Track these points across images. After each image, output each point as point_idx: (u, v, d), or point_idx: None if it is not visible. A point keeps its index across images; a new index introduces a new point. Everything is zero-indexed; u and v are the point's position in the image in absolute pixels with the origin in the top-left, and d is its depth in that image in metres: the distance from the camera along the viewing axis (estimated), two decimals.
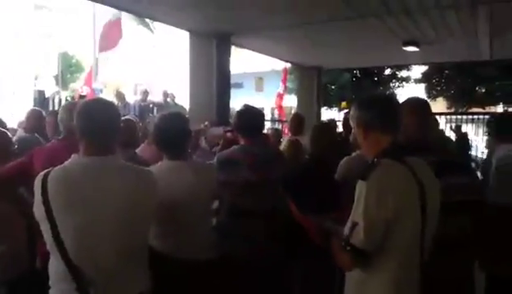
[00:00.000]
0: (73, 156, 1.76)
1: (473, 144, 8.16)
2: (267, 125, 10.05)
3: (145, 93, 9.75)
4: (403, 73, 16.59)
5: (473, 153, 7.28)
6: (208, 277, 2.18)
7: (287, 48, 8.61)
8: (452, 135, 6.66)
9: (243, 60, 16.27)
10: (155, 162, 2.36)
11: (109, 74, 16.64)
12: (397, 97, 2.48)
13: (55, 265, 1.68)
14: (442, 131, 6.66)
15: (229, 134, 3.53)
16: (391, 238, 1.61)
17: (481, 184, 2.84)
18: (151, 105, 9.42)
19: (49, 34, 20.79)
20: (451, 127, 7.79)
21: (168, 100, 9.72)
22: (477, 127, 10.64)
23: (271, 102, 13.03)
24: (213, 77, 6.70)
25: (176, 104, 9.64)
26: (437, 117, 6.49)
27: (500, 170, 2.75)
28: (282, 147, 4.03)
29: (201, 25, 6.47)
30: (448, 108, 16.19)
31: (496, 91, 15.24)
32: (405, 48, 7.59)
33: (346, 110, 10.07)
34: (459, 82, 15.37)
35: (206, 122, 4.71)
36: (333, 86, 15.74)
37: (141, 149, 3.43)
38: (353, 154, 3.15)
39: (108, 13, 9.50)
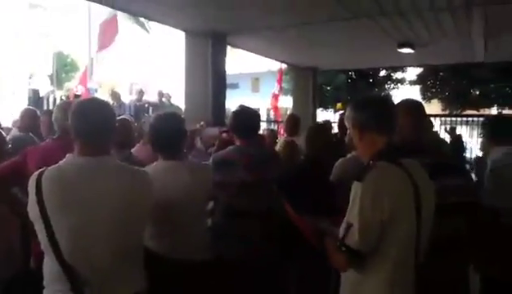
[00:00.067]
0: (67, 156, 1.75)
1: (468, 146, 8.19)
2: (263, 126, 10.05)
3: (141, 93, 9.73)
4: (398, 75, 16.67)
5: (467, 155, 7.31)
6: (204, 277, 2.18)
7: (282, 49, 8.62)
8: (447, 137, 6.68)
9: (239, 61, 16.29)
10: (151, 162, 2.35)
11: (104, 74, 16.59)
12: (392, 99, 2.48)
13: (49, 266, 1.67)
14: (437, 133, 6.69)
15: (224, 134, 3.53)
16: (386, 239, 1.62)
17: (475, 186, 2.85)
18: (147, 105, 9.39)
19: (44, 33, 20.72)
20: (445, 129, 7.82)
21: (164, 99, 9.70)
22: (471, 129, 10.68)
23: (267, 103, 13.03)
24: (209, 78, 6.69)
25: (171, 104, 9.62)
26: (432, 119, 6.50)
27: (495, 172, 2.76)
28: (278, 148, 4.03)
29: (197, 25, 6.46)
30: (443, 110, 16.27)
31: (491, 94, 15.33)
32: (400, 50, 7.62)
33: (341, 111, 10.09)
34: (453, 84, 15.46)
35: (202, 123, 4.71)
36: (328, 88, 15.77)
37: (137, 149, 3.42)
38: (348, 156, 3.15)
39: (103, 12, 9.47)
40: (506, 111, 14.92)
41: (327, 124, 5.06)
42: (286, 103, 15.44)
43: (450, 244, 2.04)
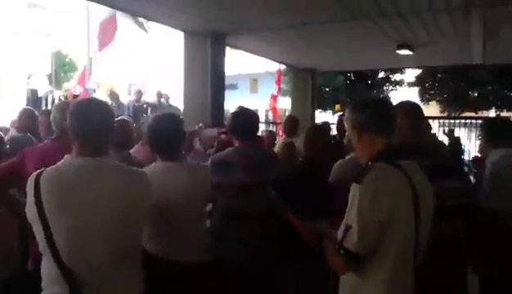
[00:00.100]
0: (66, 157, 1.74)
1: (466, 148, 8.20)
2: (262, 127, 10.05)
3: (139, 93, 9.71)
4: (397, 77, 16.70)
5: (465, 157, 7.32)
6: (202, 279, 2.17)
7: (281, 49, 8.62)
8: (445, 140, 6.68)
9: (237, 62, 16.29)
10: (149, 163, 2.35)
11: (102, 74, 16.58)
12: (391, 100, 2.48)
13: (47, 267, 1.66)
14: (435, 135, 6.69)
15: (223, 136, 3.53)
16: (385, 241, 1.62)
17: (474, 188, 2.85)
18: (145, 106, 9.37)
19: (42, 33, 20.69)
20: (443, 131, 7.82)
21: (162, 100, 9.69)
22: (469, 132, 10.70)
23: (266, 104, 13.04)
24: (208, 78, 6.69)
25: (170, 104, 9.61)
26: (430, 121, 6.51)
27: (494, 175, 2.76)
28: (276, 149, 4.03)
29: (196, 25, 6.46)
30: (441, 112, 16.29)
31: (489, 96, 15.36)
32: (398, 51, 7.63)
33: (340, 113, 10.09)
34: (452, 86, 15.48)
35: (200, 124, 4.70)
36: (327, 89, 15.79)
37: (135, 150, 3.41)
38: (347, 157, 3.15)
39: (102, 12, 9.47)
40: (504, 113, 14.95)
41: (326, 125, 5.06)
42: (285, 104, 15.45)
43: (448, 246, 2.04)
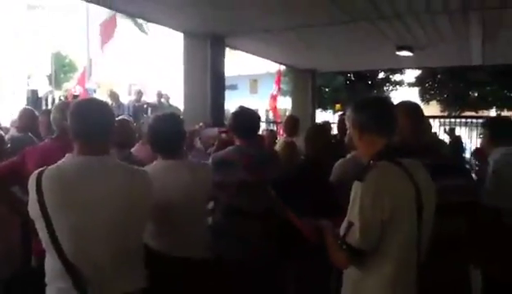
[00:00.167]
0: (67, 155, 1.74)
1: (467, 147, 8.20)
2: (262, 126, 10.05)
3: (140, 93, 9.71)
4: (397, 77, 16.69)
5: (466, 155, 7.32)
6: (203, 276, 2.17)
7: (281, 51, 8.63)
8: (446, 139, 6.69)
9: (237, 62, 16.28)
10: (151, 161, 2.35)
11: (102, 74, 16.59)
12: (392, 100, 2.48)
13: (51, 263, 1.67)
14: (436, 135, 6.69)
15: (224, 135, 3.53)
16: (387, 238, 1.62)
17: (475, 186, 2.86)
18: (145, 106, 9.37)
19: (42, 34, 20.68)
20: (444, 130, 7.83)
21: (163, 100, 9.69)
22: (470, 131, 10.70)
23: (266, 104, 13.04)
24: (208, 79, 6.69)
25: (170, 104, 9.61)
26: (431, 120, 6.51)
27: (496, 173, 2.77)
28: (277, 148, 4.03)
29: (195, 26, 6.46)
30: (442, 111, 16.28)
31: (489, 96, 15.37)
32: (398, 53, 7.64)
33: (341, 112, 10.10)
34: (452, 87, 15.49)
35: (201, 124, 4.70)
36: (327, 89, 15.79)
37: (136, 149, 3.41)
38: (348, 156, 3.15)
39: (102, 13, 9.49)
40: (505, 113, 14.95)
41: (326, 125, 5.06)
42: (285, 104, 15.45)
43: (450, 244, 2.04)
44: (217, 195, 2.70)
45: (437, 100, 16.63)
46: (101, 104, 1.86)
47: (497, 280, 2.55)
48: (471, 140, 9.94)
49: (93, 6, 10.03)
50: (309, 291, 2.72)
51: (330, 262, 1.76)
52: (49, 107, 8.56)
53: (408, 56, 7.91)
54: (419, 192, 1.64)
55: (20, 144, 3.28)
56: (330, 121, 7.79)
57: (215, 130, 3.97)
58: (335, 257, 1.71)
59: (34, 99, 9.17)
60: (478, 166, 4.56)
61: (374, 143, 1.74)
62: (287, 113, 11.60)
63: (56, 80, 16.42)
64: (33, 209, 1.63)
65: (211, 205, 2.76)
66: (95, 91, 11.62)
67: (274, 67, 11.89)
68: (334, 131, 5.51)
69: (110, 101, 8.52)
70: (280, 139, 5.38)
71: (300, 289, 2.76)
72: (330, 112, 16.47)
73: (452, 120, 11.23)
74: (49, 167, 1.68)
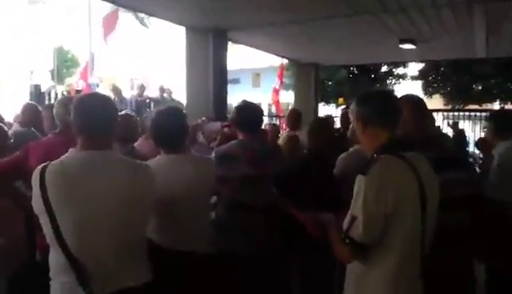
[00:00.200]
0: (70, 150, 1.75)
1: (470, 140, 8.18)
2: (265, 120, 10.04)
3: (142, 88, 9.70)
4: (400, 70, 16.62)
5: (470, 149, 7.30)
6: (207, 271, 2.18)
7: (284, 44, 8.60)
8: (449, 132, 6.67)
9: (240, 56, 16.26)
10: (153, 156, 2.35)
11: (104, 69, 16.58)
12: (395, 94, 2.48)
13: (55, 258, 1.68)
14: (439, 128, 6.68)
15: (226, 129, 3.52)
16: (390, 232, 1.61)
17: (479, 179, 2.85)
18: (148, 100, 9.37)
19: (44, 29, 20.68)
20: (448, 124, 7.81)
21: (165, 95, 9.68)
22: (474, 124, 10.66)
23: (268, 98, 13.03)
24: (210, 73, 6.68)
25: (173, 99, 9.60)
26: (434, 113, 6.49)
27: (501, 167, 2.76)
28: (280, 142, 4.03)
29: (197, 20, 6.44)
30: (445, 105, 16.22)
31: (493, 89, 15.28)
32: (401, 46, 7.60)
33: (343, 106, 10.08)
34: (455, 80, 15.41)
35: (203, 118, 4.70)
36: (330, 83, 15.74)
37: (139, 144, 3.41)
38: (351, 150, 3.15)
39: (104, 7, 9.48)
40: (509, 106, 14.88)
41: (329, 119, 5.05)
42: (288, 98, 15.43)
43: (453, 237, 2.04)
44: (220, 189, 2.70)
45: (441, 94, 16.56)
46: (104, 99, 1.86)
47: (501, 273, 2.55)
48: (475, 134, 9.91)
49: (95, 1, 10.02)
50: (313, 285, 2.73)
51: (333, 256, 1.76)
52: (52, 102, 8.57)
53: (411, 49, 7.88)
54: (422, 185, 1.64)
55: (24, 139, 3.28)
56: (333, 115, 7.77)
57: (218, 124, 3.97)
58: (338, 252, 1.71)
59: (37, 94, 9.16)
60: (481, 159, 4.54)
61: (377, 136, 1.73)
62: (290, 107, 11.58)
63: (59, 75, 16.44)
64: (37, 204, 1.63)
65: (214, 199, 2.76)
66: (97, 86, 11.61)
67: (277, 61, 11.85)
68: (337, 125, 5.50)
69: (112, 96, 8.51)
70: (283, 133, 5.37)
71: (304, 283, 2.77)
72: (332, 106, 16.44)
73: (456, 113, 11.19)
74: (52, 162, 1.68)
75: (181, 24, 6.88)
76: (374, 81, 15.95)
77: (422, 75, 16.60)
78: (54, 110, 2.64)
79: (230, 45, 7.27)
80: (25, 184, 2.20)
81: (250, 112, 2.84)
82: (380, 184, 1.59)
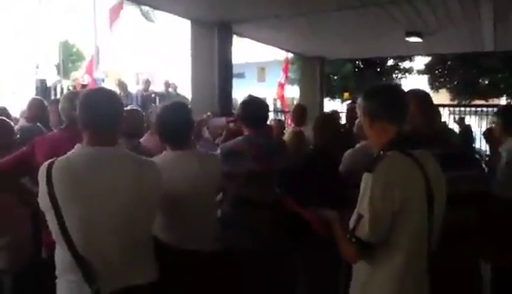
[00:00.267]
0: (77, 146, 1.74)
1: (477, 136, 8.11)
2: (270, 116, 10.01)
3: (147, 83, 9.70)
4: (406, 64, 16.50)
5: (476, 145, 7.23)
6: (213, 268, 2.18)
7: (289, 38, 8.55)
8: (456, 128, 6.62)
9: (245, 50, 16.20)
10: (160, 151, 2.34)
11: (110, 63, 16.60)
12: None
13: (61, 255, 1.68)
14: (445, 124, 6.62)
15: (232, 124, 3.52)
16: (397, 229, 1.60)
17: (486, 176, 2.83)
18: (153, 95, 9.37)
19: (49, 23, 20.72)
20: (454, 119, 7.74)
21: (170, 89, 9.67)
22: (480, 120, 10.56)
23: (273, 92, 12.99)
24: (215, 67, 6.66)
25: (178, 93, 9.59)
26: (441, 109, 6.43)
27: (510, 164, 2.73)
28: (285, 138, 4.01)
29: (203, 14, 6.42)
30: (451, 99, 16.10)
31: (500, 84, 15.15)
32: (408, 39, 7.54)
33: (349, 101, 10.03)
34: (462, 74, 15.28)
35: (208, 113, 4.69)
36: (335, 77, 15.66)
37: (145, 139, 3.41)
38: (357, 146, 3.13)
39: (109, 2, 9.50)
40: None
41: (335, 114, 5.03)
42: (293, 93, 15.38)
43: (459, 234, 2.03)
44: (226, 186, 2.69)
45: (447, 88, 16.44)
46: (110, 94, 1.85)
47: (507, 271, 2.53)
48: (481, 130, 9.83)
49: None
50: (318, 283, 2.73)
51: (339, 254, 1.75)
52: (58, 96, 8.60)
53: (418, 42, 7.81)
54: (429, 182, 1.63)
55: (30, 134, 3.30)
56: (338, 110, 7.74)
57: (223, 119, 3.96)
58: (344, 251, 1.70)
59: (43, 88, 9.20)
60: (488, 156, 4.49)
61: (384, 131, 1.72)
62: (294, 102, 11.54)
63: (64, 69, 16.46)
64: (44, 201, 1.63)
65: (219, 196, 2.75)
66: (103, 81, 11.62)
67: (281, 55, 11.80)
68: (342, 120, 5.48)
69: (118, 91, 8.52)
70: (288, 128, 5.36)
71: (309, 280, 2.77)
72: (338, 100, 16.37)
73: (462, 109, 11.08)
74: (59, 159, 1.68)
75: (186, 18, 6.85)
76: (380, 75, 15.85)
77: (428, 69, 16.48)
78: (60, 105, 2.63)
79: (235, 39, 7.24)
80: (31, 180, 2.21)
81: (256, 107, 2.83)
82: (387, 181, 1.58)
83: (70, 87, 10.75)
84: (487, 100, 14.99)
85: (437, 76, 16.47)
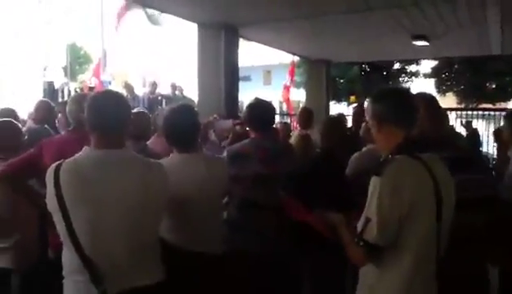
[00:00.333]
0: (84, 148, 1.75)
1: (484, 140, 8.07)
2: (276, 119, 10.00)
3: (154, 85, 9.73)
4: (412, 68, 16.46)
5: (483, 149, 7.20)
6: (219, 270, 2.18)
7: (295, 41, 8.56)
8: (463, 131, 6.59)
9: (251, 53, 16.22)
10: (166, 154, 2.35)
11: (117, 66, 16.69)
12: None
13: (68, 257, 1.68)
14: (453, 127, 6.60)
15: (238, 127, 3.52)
16: (406, 233, 1.60)
17: (494, 180, 2.81)
18: (160, 98, 9.40)
19: (56, 25, 20.86)
20: (461, 123, 7.71)
21: (177, 92, 9.70)
22: (487, 123, 10.50)
23: (279, 95, 12.99)
24: (222, 70, 6.67)
25: (184, 96, 9.61)
26: (448, 112, 6.41)
27: None
28: (292, 141, 4.01)
29: (209, 17, 6.44)
30: (458, 103, 16.02)
31: (507, 87, 15.06)
32: (414, 42, 7.51)
33: (355, 104, 10.01)
34: (469, 77, 15.21)
35: (215, 115, 4.70)
36: (341, 80, 15.64)
37: (152, 142, 3.42)
38: (364, 149, 3.12)
39: (116, 4, 9.57)
40: None
41: (342, 117, 5.02)
42: (299, 96, 15.37)
43: (467, 238, 2.01)
44: (232, 189, 2.69)
45: (454, 92, 16.36)
46: (118, 97, 1.86)
47: None
48: (488, 133, 9.77)
49: None
50: (324, 285, 2.72)
51: (345, 258, 1.74)
52: (65, 99, 8.66)
53: (425, 46, 7.78)
54: (437, 186, 1.62)
55: (37, 135, 3.32)
56: (345, 113, 7.73)
57: (229, 122, 3.96)
58: (352, 254, 1.69)
59: (51, 91, 9.27)
60: (495, 160, 4.46)
61: (393, 135, 1.71)
62: (300, 105, 11.54)
63: (72, 72, 16.56)
64: (51, 203, 1.64)
65: (225, 199, 2.75)
66: (110, 83, 11.70)
67: (287, 58, 11.80)
68: (349, 123, 5.46)
69: (124, 93, 8.55)
70: (295, 132, 5.35)
71: (315, 283, 2.76)
72: (344, 104, 16.34)
73: (469, 112, 11.03)
74: (66, 161, 1.69)
75: (193, 21, 6.88)
76: (386, 78, 15.82)
77: (435, 73, 16.42)
78: (67, 108, 2.64)
79: (241, 42, 7.26)
80: (39, 182, 2.22)
81: (262, 110, 2.82)
82: (395, 185, 1.57)
83: (78, 90, 10.82)
84: (494, 104, 14.91)
85: (443, 79, 16.40)
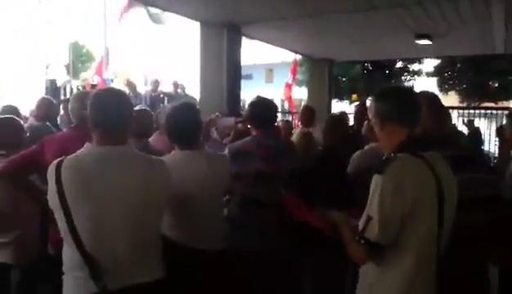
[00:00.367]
0: (86, 145, 1.75)
1: (486, 138, 8.05)
2: (278, 117, 10.00)
3: (156, 83, 9.73)
4: (415, 67, 16.41)
5: (485, 147, 7.18)
6: (220, 267, 2.18)
7: (297, 39, 8.55)
8: (465, 130, 6.57)
9: (253, 52, 16.22)
10: (168, 151, 2.35)
11: (119, 64, 16.72)
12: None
13: (69, 253, 1.68)
14: (455, 126, 6.59)
15: (240, 125, 3.52)
16: (407, 231, 1.59)
17: (496, 179, 2.79)
18: (162, 96, 9.40)
19: (56, 25, 20.89)
20: (463, 122, 7.69)
21: (179, 90, 9.70)
22: (489, 122, 10.47)
23: (281, 94, 12.99)
24: (224, 68, 6.67)
25: (186, 94, 9.61)
26: (450, 111, 6.39)
27: None
28: (293, 139, 4.01)
29: (212, 15, 6.43)
30: (460, 102, 16.00)
31: (509, 86, 15.02)
32: (417, 41, 7.49)
33: (357, 103, 10.00)
34: (471, 76, 15.18)
35: (217, 113, 4.69)
36: (344, 79, 15.62)
37: (154, 139, 3.42)
38: (366, 147, 3.12)
39: (119, 2, 9.57)
40: None
41: (344, 116, 5.02)
42: (301, 94, 15.36)
43: (468, 237, 2.01)
44: (234, 186, 2.69)
45: (456, 90, 16.34)
46: (120, 95, 1.87)
47: None
48: (490, 132, 9.75)
49: None
50: (325, 283, 2.72)
51: (345, 255, 1.74)
52: (67, 96, 8.67)
53: (427, 45, 7.76)
54: (440, 185, 1.62)
55: (39, 132, 3.32)
56: (347, 111, 7.71)
57: (231, 119, 3.96)
58: (353, 252, 1.69)
59: (53, 88, 9.28)
60: (496, 159, 4.45)
61: (396, 133, 1.70)
62: (302, 103, 11.53)
63: (74, 70, 16.59)
64: (53, 199, 1.64)
65: (226, 196, 2.76)
66: (112, 81, 11.71)
67: (289, 56, 11.79)
68: (350, 121, 5.45)
69: (127, 91, 8.56)
70: (296, 129, 5.35)
71: (316, 281, 2.76)
72: (346, 102, 16.31)
73: (471, 111, 11.01)
74: (68, 157, 1.69)
75: (195, 20, 6.87)
76: (388, 77, 15.78)
77: (437, 71, 16.38)
78: (69, 105, 2.64)
79: (243, 40, 7.25)
80: (41, 179, 2.22)
81: (264, 108, 2.82)
82: (397, 183, 1.57)
83: (80, 87, 10.84)
84: (496, 103, 14.88)
85: (446, 78, 16.36)
